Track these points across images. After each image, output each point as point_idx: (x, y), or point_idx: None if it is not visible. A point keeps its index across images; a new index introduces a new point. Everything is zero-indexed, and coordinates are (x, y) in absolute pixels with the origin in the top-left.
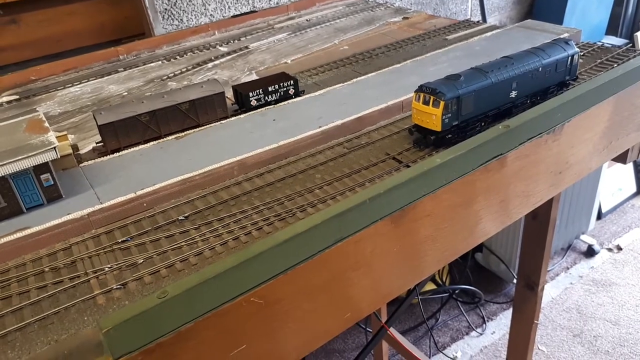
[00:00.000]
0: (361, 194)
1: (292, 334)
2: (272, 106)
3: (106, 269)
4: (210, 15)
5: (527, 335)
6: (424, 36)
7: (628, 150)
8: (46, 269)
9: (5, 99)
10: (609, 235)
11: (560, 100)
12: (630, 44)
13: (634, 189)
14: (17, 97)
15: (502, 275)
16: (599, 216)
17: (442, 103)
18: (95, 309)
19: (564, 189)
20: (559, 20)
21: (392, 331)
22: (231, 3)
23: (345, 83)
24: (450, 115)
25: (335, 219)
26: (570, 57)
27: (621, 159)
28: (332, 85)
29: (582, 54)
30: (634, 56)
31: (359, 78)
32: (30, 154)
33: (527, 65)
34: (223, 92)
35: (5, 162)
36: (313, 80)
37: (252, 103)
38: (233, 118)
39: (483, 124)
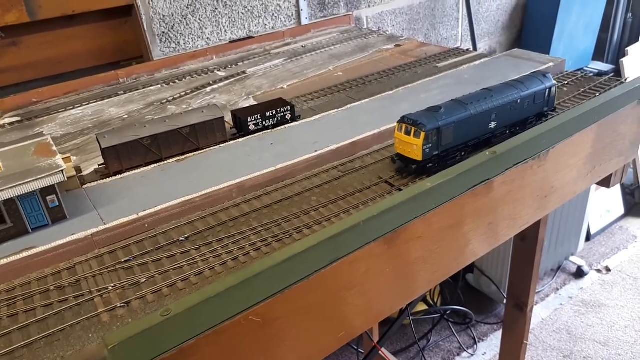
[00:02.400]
0: (355, 216)
1: (289, 352)
2: (270, 131)
3: (110, 287)
4: (207, 38)
5: (517, 356)
6: (415, 64)
7: (611, 175)
8: (51, 288)
9: (7, 120)
10: (597, 257)
11: (545, 127)
12: (616, 70)
13: (622, 211)
14: (19, 118)
15: (493, 296)
16: (588, 238)
17: (422, 134)
18: (99, 326)
19: (549, 212)
20: (547, 45)
21: (384, 351)
22: (227, 27)
23: (340, 109)
24: (430, 145)
25: (331, 240)
26: (548, 89)
27: (605, 183)
28: (327, 110)
29: (566, 82)
30: (615, 85)
31: (353, 104)
32: (38, 177)
33: (506, 97)
34: (222, 117)
35: (15, 185)
36: (309, 106)
37: (250, 127)
38: (232, 142)
39: (463, 153)
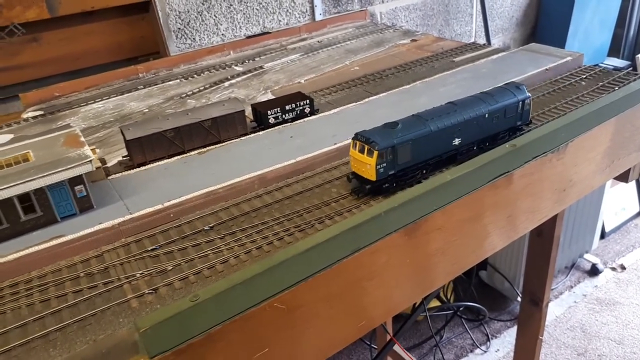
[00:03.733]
0: (376, 207)
1: (311, 340)
2: (289, 124)
3: (137, 275)
4: (222, 34)
5: (532, 351)
6: (432, 58)
7: (630, 169)
8: (81, 275)
9: (30, 114)
10: (612, 255)
11: (564, 120)
12: (632, 66)
13: (637, 209)
14: (42, 112)
15: (506, 293)
16: (603, 235)
17: (375, 152)
18: (129, 311)
19: (567, 206)
20: (562, 42)
21: (397, 348)
22: (242, 23)
23: (358, 102)
24: (385, 164)
25: (352, 230)
26: (521, 103)
27: (623, 177)
28: (345, 104)
29: (584, 76)
30: (634, 79)
31: (370, 98)
32: (68, 167)
33: (471, 112)
34: (243, 110)
35: (45, 174)
36: (326, 100)
37: (270, 121)
38: (252, 135)
39: (424, 171)
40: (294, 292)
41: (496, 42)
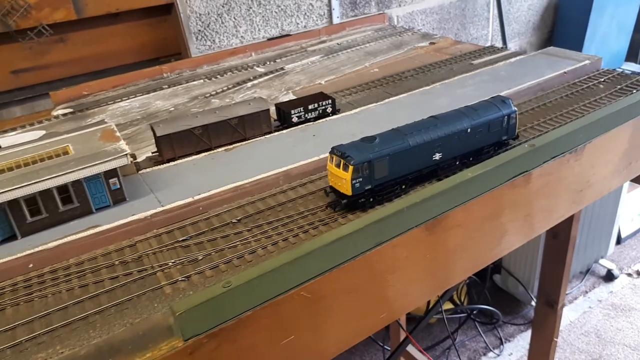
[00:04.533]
0: (399, 202)
1: (334, 329)
2: (312, 123)
3: (170, 263)
4: (241, 37)
5: (546, 354)
6: (450, 61)
7: None
8: (116, 263)
9: (60, 112)
10: (628, 260)
11: (583, 122)
12: None
13: None
14: (71, 110)
15: (520, 297)
16: (618, 241)
17: (351, 167)
18: (163, 297)
19: (584, 207)
20: (579, 47)
21: (411, 348)
22: (261, 26)
23: (378, 103)
24: (361, 179)
25: (376, 224)
26: (506, 117)
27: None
28: (366, 104)
29: (602, 79)
30: None
31: (390, 98)
32: (105, 160)
33: (452, 127)
34: (268, 109)
35: (84, 167)
36: (347, 100)
37: (293, 120)
38: (276, 133)
39: (404, 186)
40: (320, 281)
41: (512, 47)
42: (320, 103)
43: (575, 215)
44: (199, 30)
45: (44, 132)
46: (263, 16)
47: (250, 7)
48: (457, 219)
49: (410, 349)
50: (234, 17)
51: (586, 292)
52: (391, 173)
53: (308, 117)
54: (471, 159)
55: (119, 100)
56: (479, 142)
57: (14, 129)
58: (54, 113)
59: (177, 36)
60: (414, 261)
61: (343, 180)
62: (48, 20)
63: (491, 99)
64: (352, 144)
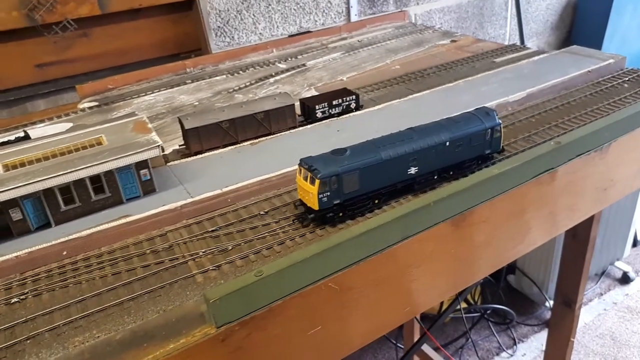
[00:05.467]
0: (426, 196)
1: (360, 320)
2: (336, 118)
3: (200, 253)
4: (260, 34)
5: (562, 353)
6: (472, 58)
7: None
8: (147, 251)
9: (86, 105)
10: None
11: (608, 120)
12: None
13: None
14: (97, 103)
15: (534, 298)
16: (635, 243)
17: (317, 181)
18: (195, 286)
19: (607, 205)
20: (598, 46)
21: (426, 347)
22: (280, 23)
23: (401, 99)
24: (329, 193)
25: (403, 218)
26: (489, 130)
27: None
28: (388, 101)
29: (626, 79)
30: None
31: (413, 95)
32: (138, 151)
33: (429, 140)
34: (293, 104)
35: (118, 157)
36: (369, 97)
37: (317, 115)
38: (301, 128)
39: (377, 201)
40: (347, 273)
41: (530, 46)
42: (345, 99)
43: (595, 215)
44: (218, 27)
45: (71, 124)
46: (282, 13)
47: (270, 4)
48: (483, 214)
49: (425, 347)
50: (253, 14)
51: (601, 295)
52: (362, 187)
53: (332, 113)
54: (451, 173)
55: (144, 94)
56: (460, 156)
57: (41, 121)
58: (80, 106)
59: (197, 32)
60: (439, 256)
61: (310, 194)
62: (73, 15)
63: (475, 111)
64: (321, 157)
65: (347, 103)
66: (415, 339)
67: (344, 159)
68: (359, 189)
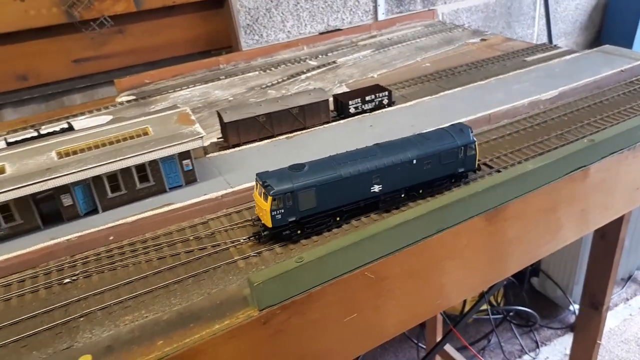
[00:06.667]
0: (462, 190)
1: (393, 310)
2: (368, 114)
3: (242, 240)
4: (288, 32)
5: (588, 356)
6: (503, 57)
7: None
8: (190, 238)
9: (124, 98)
10: None
11: None
12: None
13: None
14: (134, 97)
15: (558, 301)
16: None
17: (269, 198)
18: (237, 270)
19: (639, 206)
20: (629, 47)
21: (449, 347)
22: (307, 21)
23: (433, 96)
24: (283, 210)
25: (439, 210)
26: (462, 148)
27: None
28: (420, 98)
29: None
30: None
31: (445, 92)
32: (183, 141)
33: (394, 157)
34: (328, 100)
35: (164, 147)
36: (400, 93)
37: (350, 110)
38: (334, 123)
39: (338, 218)
40: (383, 263)
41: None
42: (377, 94)
43: (625, 215)
44: (248, 25)
45: (111, 117)
46: (310, 11)
47: (298, 3)
48: (516, 210)
49: (447, 347)
50: (282, 12)
51: (627, 300)
52: (320, 205)
53: (365, 108)
54: (421, 191)
55: (179, 89)
56: (429, 174)
57: (82, 114)
58: (118, 99)
59: (228, 29)
60: (472, 249)
61: (264, 210)
62: (109, 11)
63: (448, 127)
64: (277, 172)
65: (379, 99)
66: (438, 339)
67: (300, 175)
68: (316, 206)
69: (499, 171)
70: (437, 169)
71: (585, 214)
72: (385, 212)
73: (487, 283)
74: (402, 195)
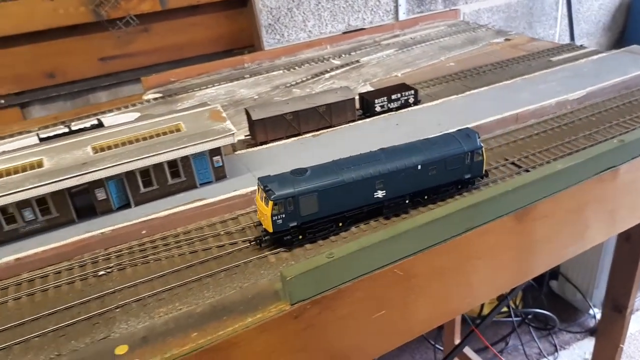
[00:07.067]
0: (492, 189)
1: (421, 307)
2: (394, 112)
3: None
4: (309, 31)
5: (611, 359)
6: (528, 57)
7: None
8: (221, 233)
9: (151, 96)
10: None
11: None
12: None
13: None
14: (160, 95)
15: (577, 305)
16: None
17: (270, 203)
18: (268, 265)
19: None
20: None
21: (468, 349)
22: (328, 20)
23: (459, 95)
24: (284, 215)
25: (468, 209)
26: (469, 153)
27: None
28: (445, 97)
29: None
30: None
31: (471, 91)
32: (215, 137)
33: (398, 162)
34: (354, 98)
35: (198, 142)
36: (425, 92)
37: (376, 109)
38: (360, 121)
39: (341, 224)
40: (412, 261)
41: None
42: (403, 93)
43: None
44: (269, 24)
45: (138, 114)
46: (331, 11)
47: (319, 2)
48: (545, 209)
49: (466, 349)
50: (303, 12)
51: None
52: (322, 210)
53: (391, 107)
54: (426, 197)
55: (205, 87)
56: (434, 180)
57: (110, 111)
58: (145, 97)
59: (251, 29)
60: (501, 249)
61: (265, 215)
62: (135, 10)
63: (455, 133)
64: (279, 177)
65: (405, 98)
66: (456, 340)
67: (301, 180)
68: (318, 211)
69: (527, 171)
70: (443, 174)
71: (614, 214)
72: (386, 218)
73: (514, 283)
74: (407, 201)
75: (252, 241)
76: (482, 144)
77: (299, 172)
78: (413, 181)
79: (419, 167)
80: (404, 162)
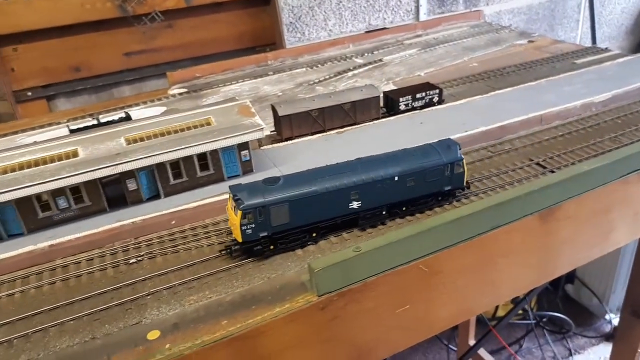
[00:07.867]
0: (517, 188)
1: (445, 304)
2: (418, 111)
3: None
4: (330, 30)
5: None
6: (552, 59)
7: None
8: None
9: (176, 91)
10: None
11: None
12: None
13: None
14: (185, 90)
15: (593, 310)
16: None
17: (239, 212)
18: (295, 257)
19: None
20: None
21: (482, 351)
22: (349, 20)
23: (483, 95)
24: (254, 225)
25: (495, 207)
26: (449, 165)
27: None
28: (468, 97)
29: None
30: None
31: (495, 92)
32: (245, 132)
33: (374, 173)
34: (379, 96)
35: (227, 137)
36: (448, 92)
37: (400, 107)
38: (384, 119)
39: (314, 234)
40: (437, 257)
41: None
42: (428, 92)
43: None
44: (291, 22)
45: (164, 108)
46: (352, 10)
47: (341, 1)
48: (570, 210)
49: (481, 351)
50: (324, 11)
51: None
52: (294, 220)
53: (415, 106)
54: (404, 209)
55: (229, 83)
56: (412, 191)
57: (136, 105)
58: (170, 92)
59: (273, 27)
60: (525, 248)
61: (234, 224)
62: (161, 7)
63: (435, 144)
64: (250, 185)
65: (430, 97)
66: (471, 342)
67: (273, 190)
68: (289, 221)
69: (552, 171)
70: (422, 186)
71: (639, 217)
72: (361, 229)
73: (536, 282)
74: (384, 213)
75: (222, 250)
76: (462, 156)
77: (271, 181)
78: (390, 192)
79: (396, 178)
80: (380, 173)
